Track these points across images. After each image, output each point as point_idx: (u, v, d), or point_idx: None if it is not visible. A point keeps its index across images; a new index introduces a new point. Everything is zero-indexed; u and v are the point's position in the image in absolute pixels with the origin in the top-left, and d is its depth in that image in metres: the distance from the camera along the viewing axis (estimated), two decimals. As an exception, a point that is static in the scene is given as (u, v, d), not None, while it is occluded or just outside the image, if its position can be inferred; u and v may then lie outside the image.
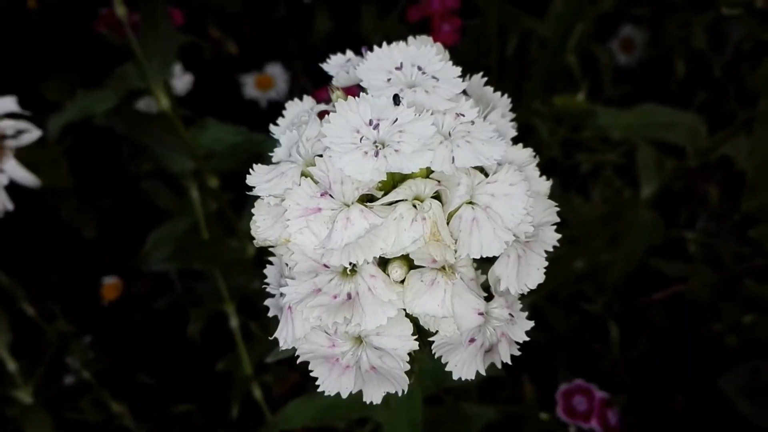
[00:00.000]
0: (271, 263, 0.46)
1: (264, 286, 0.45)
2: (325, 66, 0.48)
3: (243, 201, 1.20)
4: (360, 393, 0.77)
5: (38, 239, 1.55)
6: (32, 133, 0.78)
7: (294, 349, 0.44)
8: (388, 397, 0.69)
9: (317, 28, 1.73)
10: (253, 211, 0.42)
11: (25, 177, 0.77)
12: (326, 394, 0.42)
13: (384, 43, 0.44)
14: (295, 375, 1.41)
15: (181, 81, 1.30)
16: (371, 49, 0.46)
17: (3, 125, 0.76)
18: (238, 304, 1.25)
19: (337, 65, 0.48)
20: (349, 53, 0.49)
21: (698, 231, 1.48)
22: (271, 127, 0.48)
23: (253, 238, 1.20)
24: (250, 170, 0.42)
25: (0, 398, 1.18)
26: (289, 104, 0.48)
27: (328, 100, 0.49)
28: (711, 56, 1.67)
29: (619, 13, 1.70)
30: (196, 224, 1.18)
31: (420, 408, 0.65)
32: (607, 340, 1.37)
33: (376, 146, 0.38)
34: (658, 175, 1.13)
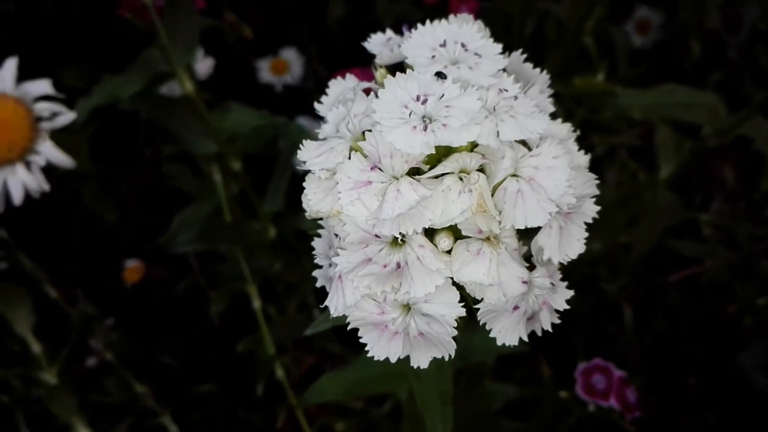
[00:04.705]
0: (318, 236, 0.47)
1: (312, 257, 0.47)
2: (366, 45, 0.50)
3: (264, 183, 1.21)
4: (387, 370, 0.79)
5: (61, 224, 1.57)
6: (66, 116, 0.80)
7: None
8: (419, 371, 0.71)
9: (331, 13, 1.73)
10: (304, 184, 0.44)
11: (61, 158, 0.78)
12: (375, 358, 0.43)
13: (427, 21, 0.46)
14: (311, 357, 1.43)
15: (203, 65, 1.32)
16: (411, 28, 0.47)
17: (39, 107, 0.78)
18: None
19: (379, 43, 0.49)
20: (389, 32, 0.50)
21: (713, 212, 1.49)
22: (316, 105, 0.49)
23: (274, 221, 1.21)
24: (300, 146, 0.44)
25: (26, 379, 1.20)
26: (332, 83, 0.49)
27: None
28: (726, 37, 1.66)
29: (635, -6, 1.69)
30: (218, 207, 1.19)
31: (450, 380, 0.66)
32: (622, 322, 1.38)
33: (425, 121, 0.40)
34: (677, 156, 1.13)
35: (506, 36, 1.34)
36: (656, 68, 1.67)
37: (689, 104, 1.04)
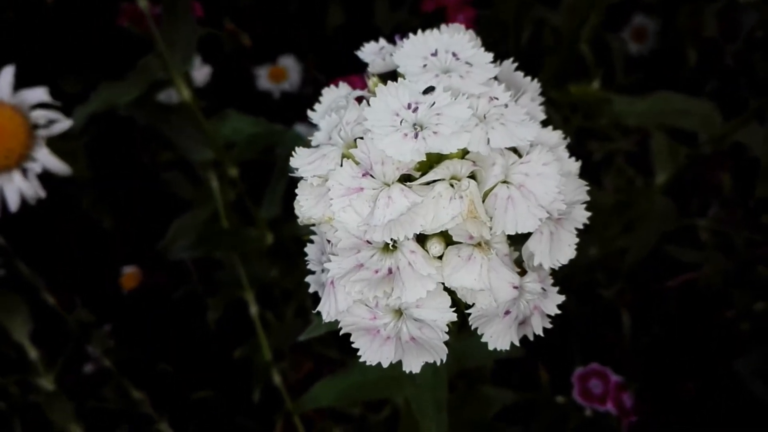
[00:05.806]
0: (311, 242, 0.48)
1: (305, 263, 0.47)
2: (359, 54, 0.50)
3: (260, 190, 1.22)
4: (383, 375, 0.79)
5: (58, 230, 1.57)
6: (63, 123, 0.80)
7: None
8: (414, 376, 0.71)
9: (330, 21, 1.74)
10: (297, 191, 0.44)
11: (57, 165, 0.79)
12: (368, 363, 0.44)
13: (419, 31, 0.46)
14: (309, 363, 1.43)
15: (200, 73, 1.32)
16: (403, 37, 0.48)
17: (36, 115, 0.79)
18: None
19: (372, 52, 0.50)
20: (382, 41, 0.51)
21: (710, 218, 1.49)
22: (309, 113, 0.50)
23: (271, 227, 1.21)
24: (293, 153, 0.44)
25: (23, 385, 1.20)
26: (325, 91, 0.50)
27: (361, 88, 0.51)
28: (723, 44, 1.67)
29: (631, 1, 1.70)
30: (215, 213, 1.20)
31: (446, 387, 0.66)
32: (619, 328, 1.39)
33: (415, 128, 0.40)
34: (672, 163, 1.14)
35: (503, 44, 1.35)
36: (653, 76, 1.68)
37: (684, 112, 1.04)
